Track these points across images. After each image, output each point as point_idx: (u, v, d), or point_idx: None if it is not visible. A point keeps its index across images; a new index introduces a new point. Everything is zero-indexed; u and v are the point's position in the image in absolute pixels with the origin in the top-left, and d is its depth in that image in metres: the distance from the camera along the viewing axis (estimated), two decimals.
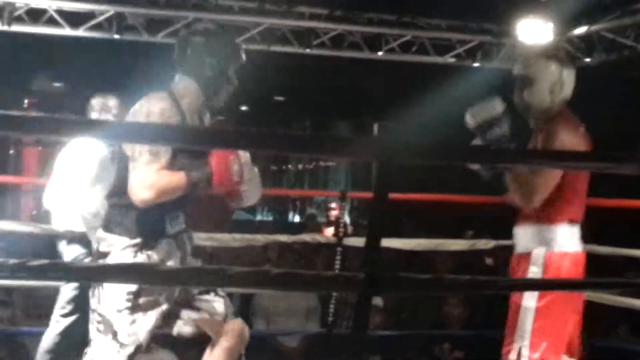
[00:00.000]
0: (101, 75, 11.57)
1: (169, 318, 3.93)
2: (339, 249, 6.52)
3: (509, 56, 9.28)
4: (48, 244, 5.89)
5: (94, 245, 3.98)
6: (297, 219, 19.63)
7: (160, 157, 3.74)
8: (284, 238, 6.86)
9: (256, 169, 4.03)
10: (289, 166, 23.09)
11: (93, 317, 3.86)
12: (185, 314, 3.97)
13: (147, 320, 3.81)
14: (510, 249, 4.53)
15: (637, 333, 7.36)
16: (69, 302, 5.50)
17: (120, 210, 3.82)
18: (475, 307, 7.27)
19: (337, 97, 13.15)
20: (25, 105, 13.29)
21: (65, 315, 5.51)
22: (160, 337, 3.97)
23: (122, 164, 3.82)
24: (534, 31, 8.70)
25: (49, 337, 5.54)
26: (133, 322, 3.79)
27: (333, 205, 13.07)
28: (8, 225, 6.34)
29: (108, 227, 3.87)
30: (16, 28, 8.46)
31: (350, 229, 10.19)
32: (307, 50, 9.10)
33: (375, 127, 11.97)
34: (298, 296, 7.37)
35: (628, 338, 7.34)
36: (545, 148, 4.23)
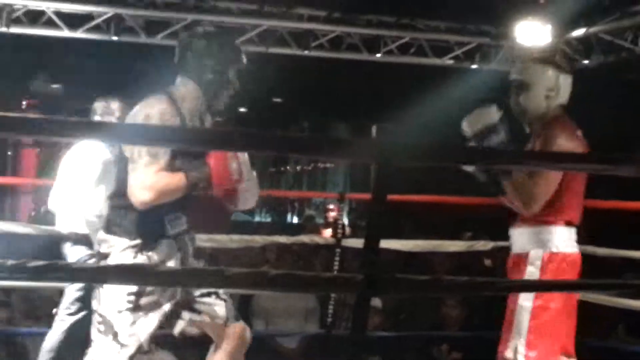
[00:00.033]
0: (99, 76, 11.57)
1: (171, 318, 3.93)
2: (338, 250, 6.53)
3: (507, 58, 9.29)
4: (49, 245, 5.89)
5: (95, 247, 3.99)
6: (295, 220, 19.64)
7: (159, 158, 3.74)
8: (282, 239, 6.87)
9: (254, 173, 4.04)
10: (288, 167, 23.10)
11: (94, 318, 3.87)
12: (187, 315, 3.97)
13: (148, 321, 3.81)
14: (508, 250, 4.54)
15: (635, 334, 7.36)
16: (73, 302, 5.51)
17: (121, 212, 3.83)
18: (473, 308, 7.27)
19: (335, 99, 13.16)
20: (24, 107, 13.27)
21: (70, 315, 5.52)
22: (160, 337, 3.97)
23: (122, 166, 3.83)
24: (532, 33, 8.71)
25: (53, 336, 5.55)
26: (134, 322, 3.79)
27: (331, 206, 13.07)
28: (7, 227, 6.34)
29: (109, 228, 3.87)
30: (14, 30, 8.46)
31: (348, 230, 10.20)
32: (306, 52, 9.11)
33: (374, 129, 11.96)
34: (297, 297, 7.38)
35: (626, 339, 7.35)
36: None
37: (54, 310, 6.99)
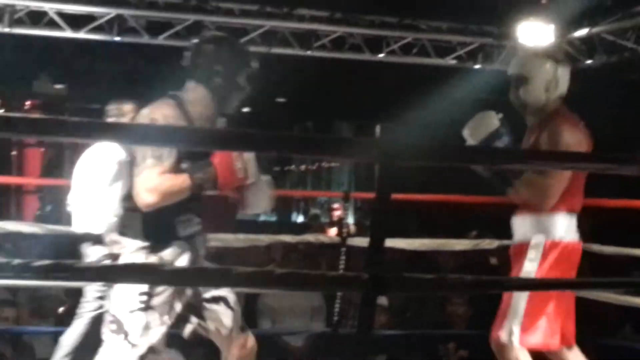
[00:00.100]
0: (102, 77, 11.60)
1: (179, 320, 3.94)
2: (343, 249, 6.54)
3: (509, 58, 9.29)
4: (65, 244, 5.93)
5: (108, 248, 4.01)
6: (300, 219, 19.64)
7: (163, 160, 3.75)
8: (287, 238, 6.88)
9: (267, 178, 4.06)
10: (292, 167, 23.09)
11: (106, 317, 3.89)
12: (194, 320, 3.98)
13: (159, 322, 3.83)
14: None
15: None
16: (93, 301, 5.54)
17: (132, 214, 3.84)
18: (479, 306, 7.27)
19: (338, 99, 13.17)
20: (27, 107, 13.29)
21: (89, 312, 5.55)
22: (168, 337, 3.98)
23: (131, 168, 3.85)
24: (534, 33, 8.71)
25: (71, 334, 5.56)
26: (145, 323, 3.80)
27: (336, 205, 13.07)
28: (12, 226, 6.36)
29: (121, 230, 3.90)
30: (17, 30, 8.47)
31: (353, 229, 10.21)
32: (308, 53, 9.12)
33: (377, 129, 11.97)
34: (303, 296, 7.38)
35: (633, 337, 7.35)
36: (550, 147, 4.28)
37: (61, 309, 7.03)
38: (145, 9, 8.64)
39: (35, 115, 10.96)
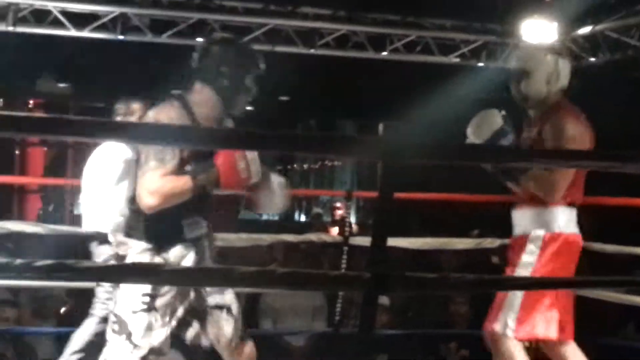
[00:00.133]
0: (106, 75, 11.58)
1: (182, 325, 3.94)
2: (345, 248, 6.53)
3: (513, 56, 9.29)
4: (76, 244, 5.94)
5: (114, 249, 4.01)
6: (303, 218, 19.63)
7: (166, 163, 3.76)
8: (290, 237, 6.87)
9: (280, 179, 4.05)
10: (295, 166, 23.08)
11: (110, 318, 3.90)
12: (196, 325, 3.98)
13: (161, 323, 3.83)
14: None
15: None
16: (104, 301, 5.54)
17: (139, 215, 3.85)
18: (481, 306, 7.26)
19: (342, 97, 13.14)
20: (31, 106, 13.29)
21: (101, 311, 5.55)
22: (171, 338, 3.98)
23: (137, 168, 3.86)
24: (538, 31, 8.70)
25: (82, 333, 5.56)
26: (148, 324, 3.81)
27: (338, 204, 13.06)
28: (15, 226, 6.35)
29: (127, 231, 3.91)
30: (21, 29, 8.47)
31: (355, 229, 10.19)
32: (312, 51, 9.11)
33: (381, 127, 11.96)
34: (304, 295, 7.38)
35: (635, 337, 7.34)
36: (553, 139, 4.30)
37: (62, 310, 7.02)
38: (149, 8, 8.65)
39: (39, 114, 10.97)
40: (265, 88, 4.07)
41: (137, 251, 3.83)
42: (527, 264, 4.35)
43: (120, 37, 8.68)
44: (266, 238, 6.85)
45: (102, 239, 5.50)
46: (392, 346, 7.00)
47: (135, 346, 3.81)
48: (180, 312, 3.87)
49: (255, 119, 4.05)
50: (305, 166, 23.06)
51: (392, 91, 11.95)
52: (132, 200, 3.90)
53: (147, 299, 3.80)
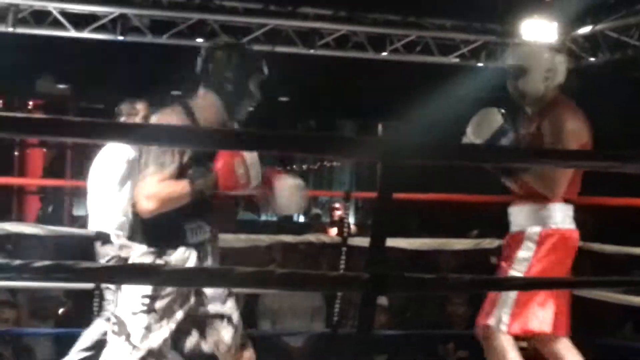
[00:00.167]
0: (105, 76, 11.58)
1: (181, 332, 3.95)
2: (344, 248, 6.53)
3: None
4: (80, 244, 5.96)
5: (117, 252, 4.02)
6: (301, 219, 19.63)
7: (165, 168, 3.76)
8: (288, 238, 6.88)
9: (299, 181, 4.05)
10: (294, 166, 23.07)
11: (111, 319, 3.91)
12: (195, 335, 3.99)
13: (161, 326, 3.83)
14: None
15: None
16: (112, 303, 5.56)
17: (141, 219, 3.85)
18: (479, 306, 7.25)
19: (341, 98, 13.15)
20: (30, 107, 13.29)
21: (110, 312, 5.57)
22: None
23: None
24: (538, 31, 8.70)
25: (92, 331, 5.57)
26: (147, 325, 3.81)
27: (337, 205, 13.06)
28: (14, 227, 6.35)
29: (130, 234, 3.91)
30: (20, 30, 8.47)
31: (354, 229, 10.19)
32: (312, 51, 9.11)
33: (380, 128, 11.97)
34: (303, 296, 7.37)
35: (633, 337, 7.34)
36: (552, 135, 4.34)
37: (61, 311, 7.01)
38: (148, 8, 8.65)
39: (39, 115, 10.97)
40: (265, 88, 4.07)
41: (139, 254, 3.84)
42: (523, 259, 4.37)
43: (120, 37, 8.68)
44: (265, 239, 6.85)
45: (105, 239, 5.53)
46: (390, 347, 7.00)
47: (134, 347, 3.81)
48: (179, 315, 3.87)
49: (254, 119, 4.03)
50: (304, 167, 23.04)
51: (391, 91, 11.95)
52: (134, 203, 3.91)
53: (147, 300, 3.80)
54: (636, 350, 6.88)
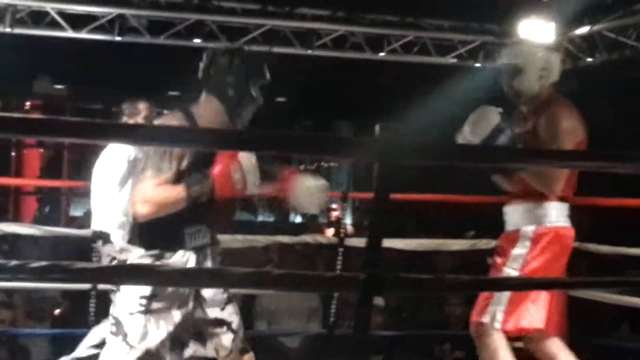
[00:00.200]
0: (103, 77, 11.58)
1: (178, 342, 3.95)
2: (341, 249, 6.53)
3: None
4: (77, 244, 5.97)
5: (117, 255, 4.03)
6: (298, 219, 19.63)
7: (162, 173, 3.78)
8: (285, 239, 6.88)
9: (321, 181, 4.05)
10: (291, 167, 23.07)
11: (109, 320, 3.92)
12: (193, 346, 4.00)
13: (158, 327, 3.84)
14: None
15: (639, 332, 7.36)
16: None
17: (141, 222, 3.85)
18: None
19: (339, 98, 13.15)
20: (28, 107, 13.29)
21: None
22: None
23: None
24: (535, 31, 8.69)
25: (101, 329, 5.58)
26: (144, 326, 3.83)
27: (334, 206, 13.06)
28: (11, 227, 6.35)
29: (129, 237, 3.93)
30: (18, 30, 8.46)
31: (351, 230, 10.19)
32: (309, 52, 9.10)
33: (377, 128, 11.93)
34: (300, 297, 7.37)
35: (629, 337, 7.34)
36: (548, 133, 4.35)
37: (57, 311, 7.01)
38: (146, 9, 8.63)
39: (36, 116, 10.96)
40: (262, 89, 4.08)
41: (137, 257, 3.85)
42: (518, 256, 4.37)
43: (118, 38, 8.66)
44: (261, 239, 6.85)
45: (107, 238, 5.55)
46: (387, 347, 7.00)
47: (132, 347, 3.82)
48: (177, 317, 3.87)
49: (252, 120, 4.04)
50: (302, 167, 23.04)
51: (389, 92, 11.96)
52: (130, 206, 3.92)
53: (144, 301, 3.82)
54: (632, 351, 6.89)
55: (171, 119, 3.91)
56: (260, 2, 8.79)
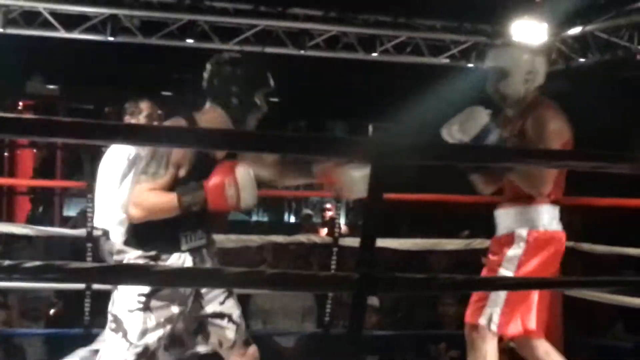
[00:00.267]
0: (95, 77, 11.56)
1: (178, 341, 3.96)
2: (335, 249, 6.54)
3: None
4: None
5: (115, 256, 4.03)
6: (292, 219, 19.63)
7: (157, 178, 3.80)
8: (279, 239, 6.88)
9: (359, 172, 4.05)
10: None
11: (108, 318, 3.93)
12: (194, 343, 4.01)
13: (158, 324, 3.85)
14: None
15: (634, 331, 7.37)
16: None
17: (137, 224, 3.86)
18: None
19: (332, 98, 13.14)
20: (20, 108, 13.25)
21: None
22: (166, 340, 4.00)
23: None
24: (528, 32, 8.70)
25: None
26: (143, 323, 3.84)
27: (328, 205, 13.05)
28: (4, 227, 6.34)
29: (125, 238, 3.94)
30: (10, 30, 8.44)
31: (345, 229, 10.19)
32: (302, 52, 9.10)
33: (370, 128, 11.95)
34: (294, 297, 7.38)
35: (624, 337, 7.35)
36: (535, 134, 4.36)
37: (51, 311, 7.00)
38: (139, 9, 8.62)
39: (29, 116, 10.93)
40: (267, 97, 4.09)
41: (133, 258, 3.87)
42: (513, 257, 4.37)
43: (111, 38, 8.65)
44: (256, 239, 6.85)
45: (108, 235, 5.57)
46: (381, 347, 7.00)
47: (131, 344, 3.85)
48: (176, 315, 3.88)
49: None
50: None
51: (382, 92, 11.96)
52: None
53: (143, 298, 3.83)
54: (627, 350, 6.90)
55: (174, 125, 3.92)
56: (253, 2, 8.79)
